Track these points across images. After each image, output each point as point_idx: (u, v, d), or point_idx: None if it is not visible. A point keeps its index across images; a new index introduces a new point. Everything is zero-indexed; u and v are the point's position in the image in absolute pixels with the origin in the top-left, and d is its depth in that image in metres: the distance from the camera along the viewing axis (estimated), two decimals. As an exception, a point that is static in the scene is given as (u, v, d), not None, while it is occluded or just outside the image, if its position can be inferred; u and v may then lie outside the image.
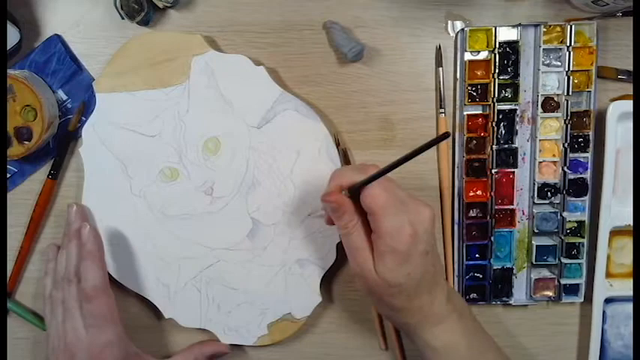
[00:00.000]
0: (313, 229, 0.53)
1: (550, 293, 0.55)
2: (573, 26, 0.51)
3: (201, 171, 0.53)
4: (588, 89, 0.52)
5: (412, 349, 0.55)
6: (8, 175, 0.54)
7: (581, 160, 0.53)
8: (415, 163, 0.54)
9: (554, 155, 0.53)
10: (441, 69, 0.53)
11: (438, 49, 0.53)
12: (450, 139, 0.54)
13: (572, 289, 0.54)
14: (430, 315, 0.44)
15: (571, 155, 0.53)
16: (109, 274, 0.53)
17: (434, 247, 0.43)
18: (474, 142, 0.53)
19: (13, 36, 0.51)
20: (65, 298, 0.50)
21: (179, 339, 0.56)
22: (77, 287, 0.49)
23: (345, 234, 0.43)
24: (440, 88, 0.53)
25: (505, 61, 0.52)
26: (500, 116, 0.52)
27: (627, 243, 0.55)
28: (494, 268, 0.54)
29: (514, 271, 0.54)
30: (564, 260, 0.54)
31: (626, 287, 0.54)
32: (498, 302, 0.55)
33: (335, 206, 0.42)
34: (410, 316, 0.44)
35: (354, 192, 0.42)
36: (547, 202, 0.54)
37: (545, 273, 0.55)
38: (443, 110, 0.53)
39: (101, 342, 0.48)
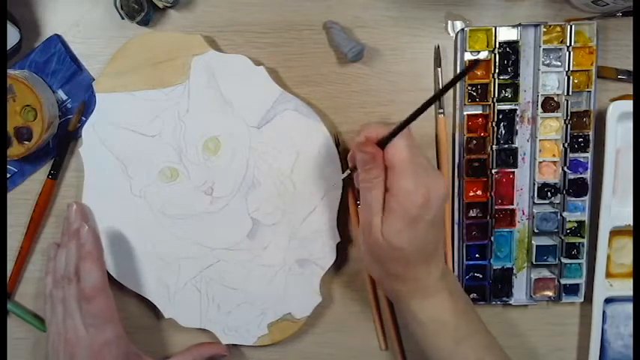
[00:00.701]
0: (313, 229, 0.53)
1: (550, 293, 0.55)
2: (573, 26, 0.51)
3: (201, 171, 0.53)
4: (588, 89, 0.52)
5: (412, 351, 0.55)
6: (8, 175, 0.54)
7: (581, 160, 0.53)
8: (415, 163, 0.54)
9: (554, 155, 0.53)
10: (439, 69, 0.53)
11: (437, 50, 0.53)
12: (450, 139, 0.54)
13: (572, 289, 0.54)
14: (422, 286, 0.44)
15: (571, 155, 0.53)
16: (108, 273, 0.53)
17: (441, 220, 0.44)
18: (474, 142, 0.53)
19: (13, 36, 0.51)
20: (65, 297, 0.50)
21: (179, 339, 0.56)
22: (77, 287, 0.49)
23: (368, 187, 0.42)
24: (439, 88, 0.53)
25: (505, 61, 0.52)
26: (500, 116, 0.52)
27: (627, 243, 0.55)
28: (495, 268, 0.54)
29: (514, 271, 0.54)
30: (564, 260, 0.54)
31: (626, 287, 0.54)
32: (498, 302, 0.55)
33: (369, 157, 0.42)
34: (403, 284, 0.44)
35: (382, 145, 0.42)
36: (547, 202, 0.54)
37: (545, 273, 0.55)
38: (442, 111, 0.53)
39: (100, 341, 0.48)
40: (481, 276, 0.54)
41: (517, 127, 0.52)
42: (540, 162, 0.53)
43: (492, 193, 0.53)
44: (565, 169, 0.53)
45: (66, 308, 0.50)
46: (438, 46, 0.53)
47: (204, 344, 0.55)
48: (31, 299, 0.56)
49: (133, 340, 0.52)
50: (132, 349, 0.51)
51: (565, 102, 0.52)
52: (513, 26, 0.51)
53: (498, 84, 0.52)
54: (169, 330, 0.56)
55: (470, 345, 0.45)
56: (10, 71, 0.50)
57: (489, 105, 0.52)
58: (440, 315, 0.45)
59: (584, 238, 0.53)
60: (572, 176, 0.53)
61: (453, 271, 0.55)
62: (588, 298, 0.55)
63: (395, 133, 0.41)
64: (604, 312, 0.55)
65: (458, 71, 0.53)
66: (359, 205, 0.46)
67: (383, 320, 0.56)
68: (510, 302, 0.55)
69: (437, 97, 0.39)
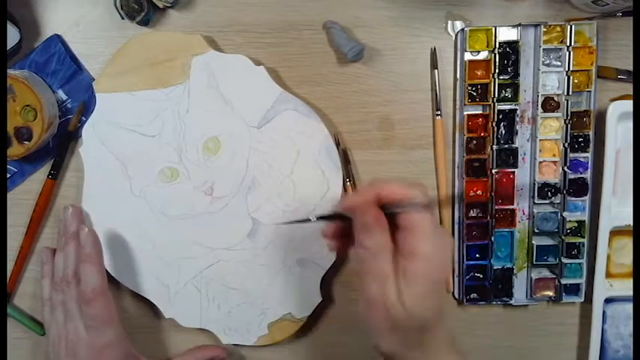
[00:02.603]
0: (313, 229, 0.53)
1: (550, 293, 0.55)
2: (573, 26, 0.51)
3: (201, 171, 0.52)
4: (588, 89, 0.52)
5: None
6: (8, 175, 0.54)
7: (581, 160, 0.53)
8: (414, 163, 0.55)
9: (554, 155, 0.53)
10: (436, 71, 0.53)
11: (433, 52, 0.53)
12: (451, 139, 0.54)
13: (573, 289, 0.54)
14: (435, 349, 0.40)
15: (571, 155, 0.53)
16: (109, 274, 0.53)
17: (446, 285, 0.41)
18: (474, 142, 0.53)
19: (13, 36, 0.51)
20: (65, 300, 0.50)
21: (179, 339, 0.56)
22: (76, 289, 0.49)
23: (370, 255, 0.37)
24: (436, 89, 0.53)
25: (505, 61, 0.52)
26: (501, 116, 0.52)
27: (627, 243, 0.55)
28: (495, 268, 0.54)
29: (514, 271, 0.54)
30: (564, 260, 0.54)
31: (626, 287, 0.54)
32: (499, 302, 0.55)
33: (370, 222, 0.37)
34: (415, 351, 0.40)
35: (393, 209, 0.37)
36: (547, 202, 0.54)
37: (546, 273, 0.55)
38: (439, 112, 0.53)
39: (101, 343, 0.48)
40: (481, 276, 0.54)
41: (517, 127, 0.52)
42: (540, 162, 0.53)
43: (492, 193, 0.53)
44: (565, 169, 0.53)
45: (66, 311, 0.50)
46: (434, 49, 0.53)
47: (204, 347, 0.55)
48: (31, 299, 0.56)
49: (133, 340, 0.52)
50: (132, 351, 0.51)
51: (565, 102, 0.52)
52: (513, 26, 0.51)
53: (498, 84, 0.52)
54: (169, 330, 0.56)
55: None
56: (10, 71, 0.50)
57: (489, 105, 0.52)
58: None
59: (584, 238, 0.53)
60: (572, 176, 0.53)
61: (453, 271, 0.55)
62: (588, 298, 0.55)
63: (416, 205, 0.37)
64: (604, 312, 0.55)
65: (458, 71, 0.53)
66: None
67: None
68: (511, 302, 0.55)
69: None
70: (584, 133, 0.52)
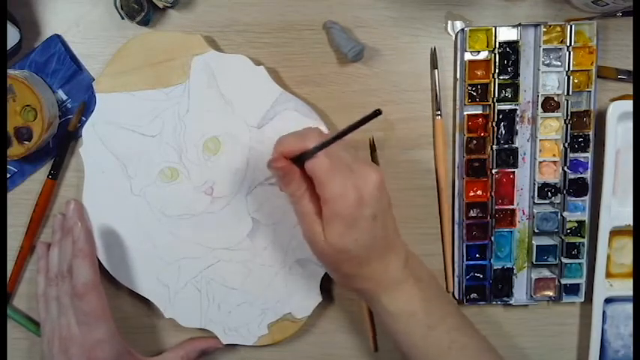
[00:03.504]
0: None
1: (550, 293, 0.55)
2: (573, 26, 0.51)
3: (201, 171, 0.52)
4: (588, 89, 0.52)
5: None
6: (8, 175, 0.54)
7: (581, 160, 0.53)
8: (414, 163, 0.54)
9: (554, 155, 0.53)
10: (436, 71, 0.53)
11: (433, 52, 0.53)
12: (451, 139, 0.54)
13: (573, 289, 0.54)
14: (384, 280, 0.44)
15: (571, 155, 0.53)
16: (108, 273, 0.53)
17: (385, 211, 0.42)
18: (474, 142, 0.53)
19: (13, 36, 0.51)
20: (59, 295, 0.50)
21: (179, 339, 0.56)
22: (69, 284, 0.49)
23: (294, 201, 0.42)
24: (435, 90, 0.53)
25: (505, 61, 0.52)
26: (501, 116, 0.52)
27: (627, 243, 0.55)
28: (495, 268, 0.54)
29: (514, 271, 0.54)
30: (564, 260, 0.54)
31: (626, 287, 0.54)
32: (499, 302, 0.55)
33: (281, 174, 0.41)
34: (363, 282, 0.44)
35: (298, 159, 0.41)
36: (547, 202, 0.54)
37: (546, 273, 0.55)
38: (439, 112, 0.53)
39: (93, 340, 0.48)
40: (481, 276, 0.54)
41: (517, 127, 0.52)
42: (540, 162, 0.53)
43: (492, 193, 0.53)
44: (565, 169, 0.53)
45: (60, 306, 0.50)
46: (434, 49, 0.53)
47: (196, 338, 0.55)
48: (31, 299, 0.56)
49: (132, 340, 0.52)
50: (125, 348, 0.51)
51: (565, 102, 0.52)
52: (513, 26, 0.51)
53: (498, 84, 0.52)
54: (169, 330, 0.56)
55: (442, 329, 0.45)
56: (10, 71, 0.50)
57: (489, 105, 0.52)
58: (408, 304, 0.44)
59: (584, 238, 0.53)
60: (572, 176, 0.53)
61: (453, 271, 0.55)
62: (588, 298, 0.55)
63: (310, 154, 0.39)
64: (604, 312, 0.55)
65: (458, 71, 0.53)
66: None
67: (375, 323, 0.56)
68: (511, 302, 0.55)
69: (348, 131, 0.37)
70: (584, 133, 0.52)
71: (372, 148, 0.54)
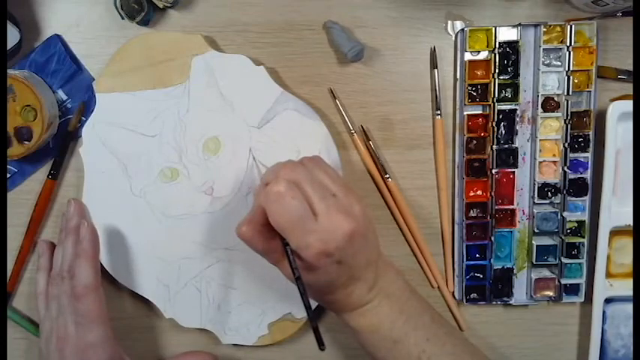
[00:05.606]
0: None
1: (550, 293, 0.55)
2: (573, 26, 0.51)
3: (201, 171, 0.52)
4: (588, 89, 0.52)
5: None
6: (8, 175, 0.54)
7: (581, 160, 0.53)
8: (414, 163, 0.55)
9: (554, 155, 0.53)
10: (436, 71, 0.53)
11: (433, 52, 0.53)
12: (451, 139, 0.54)
13: (573, 289, 0.54)
14: (347, 305, 0.45)
15: (571, 155, 0.53)
16: (108, 273, 0.53)
17: (354, 253, 0.41)
18: (474, 142, 0.53)
19: (13, 36, 0.51)
20: (59, 294, 0.50)
21: (179, 339, 0.56)
22: (69, 284, 0.49)
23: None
24: (435, 89, 0.53)
25: (505, 61, 0.52)
26: (501, 116, 0.52)
27: (627, 243, 0.55)
28: (495, 268, 0.54)
29: (514, 271, 0.54)
30: (564, 260, 0.54)
31: (626, 287, 0.54)
32: (499, 302, 0.55)
33: (245, 242, 0.43)
34: (324, 304, 0.46)
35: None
36: (547, 202, 0.54)
37: (546, 273, 0.55)
38: (439, 112, 0.53)
39: (87, 341, 0.48)
40: (481, 276, 0.54)
41: (517, 127, 0.52)
42: (540, 162, 0.53)
43: (492, 193, 0.53)
44: (565, 169, 0.53)
45: (60, 305, 0.50)
46: (434, 48, 0.53)
47: (188, 353, 0.55)
48: (31, 299, 0.56)
49: (132, 340, 0.52)
50: (118, 354, 0.50)
51: (565, 102, 0.52)
52: (513, 26, 0.51)
53: (498, 84, 0.52)
54: (169, 330, 0.56)
55: (410, 342, 0.44)
56: (10, 71, 0.50)
57: (489, 105, 0.52)
58: (371, 320, 0.45)
59: (584, 238, 0.53)
60: (572, 176, 0.53)
61: (453, 271, 0.55)
62: (588, 298, 0.55)
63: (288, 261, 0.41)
64: (604, 312, 0.55)
65: (458, 71, 0.53)
66: None
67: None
68: (511, 302, 0.55)
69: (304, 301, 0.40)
70: (584, 133, 0.52)
71: (366, 137, 0.54)
